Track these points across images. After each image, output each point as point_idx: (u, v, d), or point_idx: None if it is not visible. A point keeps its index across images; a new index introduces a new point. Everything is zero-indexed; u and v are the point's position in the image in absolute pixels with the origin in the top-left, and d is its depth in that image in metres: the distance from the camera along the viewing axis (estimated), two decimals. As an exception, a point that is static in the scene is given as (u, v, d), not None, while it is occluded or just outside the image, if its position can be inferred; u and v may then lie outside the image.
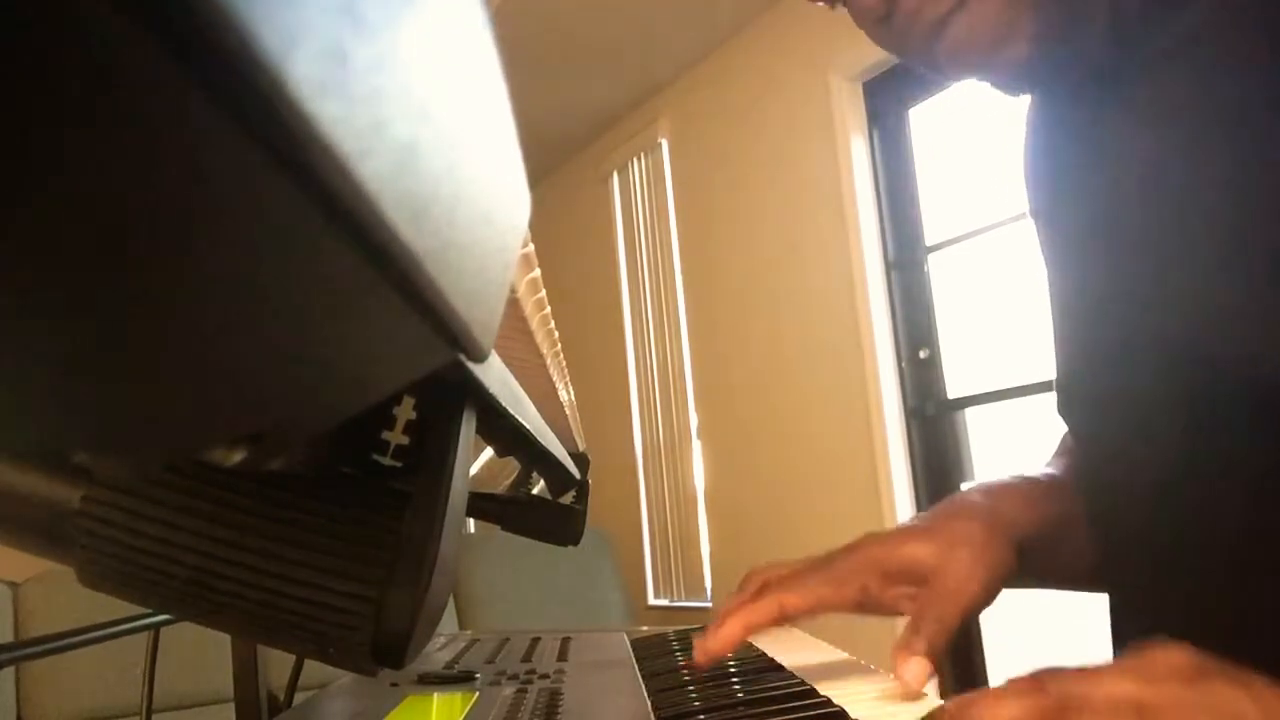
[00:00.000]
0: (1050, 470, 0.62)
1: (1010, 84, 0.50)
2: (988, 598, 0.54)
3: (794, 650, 0.75)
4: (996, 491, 0.59)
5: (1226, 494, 0.46)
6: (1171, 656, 0.36)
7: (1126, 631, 0.56)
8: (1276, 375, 0.41)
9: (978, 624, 2.21)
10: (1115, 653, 0.56)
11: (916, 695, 0.51)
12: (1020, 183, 0.61)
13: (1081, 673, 0.36)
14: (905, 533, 0.58)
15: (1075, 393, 0.57)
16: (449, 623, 2.63)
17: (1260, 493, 0.44)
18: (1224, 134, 0.44)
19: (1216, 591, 0.48)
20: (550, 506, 0.64)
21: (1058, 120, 0.56)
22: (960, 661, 2.22)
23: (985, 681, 2.18)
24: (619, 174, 3.39)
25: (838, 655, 0.73)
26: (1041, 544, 0.57)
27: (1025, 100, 0.58)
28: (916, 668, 0.50)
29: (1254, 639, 0.37)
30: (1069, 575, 0.62)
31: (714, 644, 0.57)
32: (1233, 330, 0.44)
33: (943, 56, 0.48)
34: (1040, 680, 0.36)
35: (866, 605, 0.57)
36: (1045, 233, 0.59)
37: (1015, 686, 0.36)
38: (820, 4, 0.52)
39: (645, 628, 0.96)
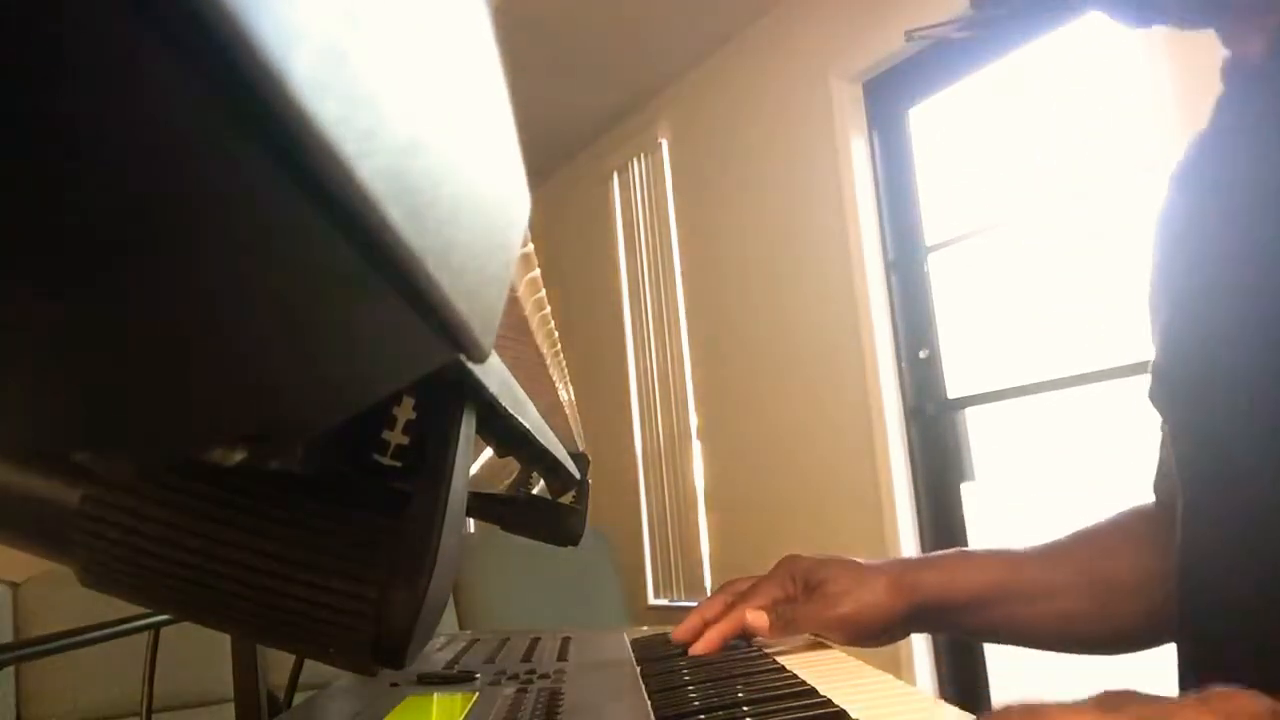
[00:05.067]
0: (1015, 548, 0.76)
1: (1134, 12, 0.52)
2: (840, 628, 0.72)
3: (794, 650, 0.75)
4: (922, 562, 0.76)
5: None
6: (1249, 703, 0.34)
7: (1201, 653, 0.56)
8: None
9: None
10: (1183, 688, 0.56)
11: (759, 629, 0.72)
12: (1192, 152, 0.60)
13: (1156, 702, 0.34)
14: (834, 561, 0.75)
15: (1176, 377, 0.58)
16: (449, 623, 2.63)
17: None
18: None
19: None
20: (550, 506, 0.64)
21: (1240, 106, 0.56)
22: (962, 666, 2.22)
23: (984, 683, 2.18)
24: (619, 174, 3.39)
25: (837, 655, 0.73)
26: (954, 606, 0.74)
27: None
28: (754, 615, 0.72)
29: None
30: (998, 634, 0.77)
31: (700, 649, 0.74)
32: None
33: None
34: (1113, 702, 0.34)
35: (788, 599, 0.75)
36: (1192, 208, 0.58)
37: (1080, 706, 0.34)
38: None
39: (645, 628, 0.96)
